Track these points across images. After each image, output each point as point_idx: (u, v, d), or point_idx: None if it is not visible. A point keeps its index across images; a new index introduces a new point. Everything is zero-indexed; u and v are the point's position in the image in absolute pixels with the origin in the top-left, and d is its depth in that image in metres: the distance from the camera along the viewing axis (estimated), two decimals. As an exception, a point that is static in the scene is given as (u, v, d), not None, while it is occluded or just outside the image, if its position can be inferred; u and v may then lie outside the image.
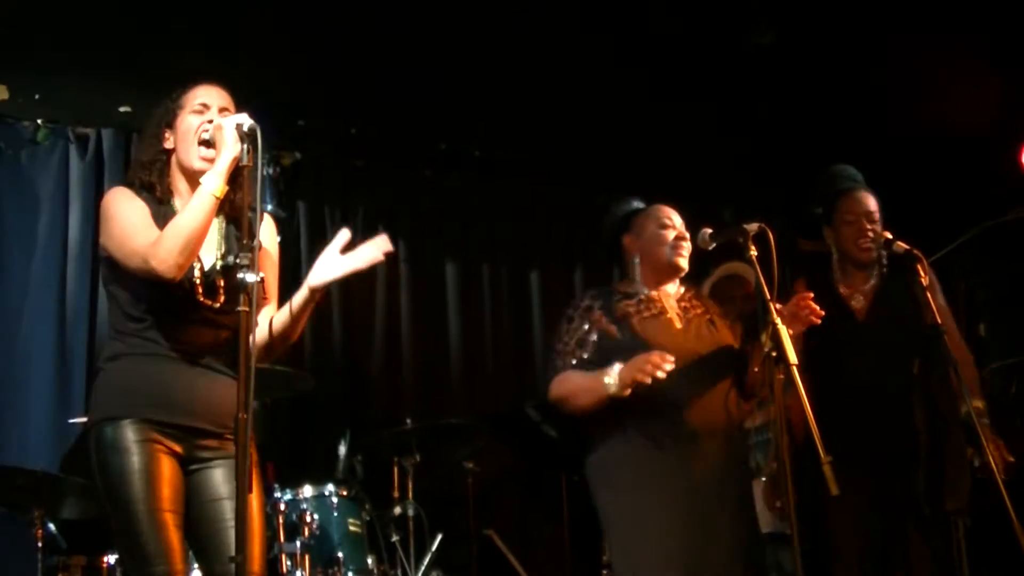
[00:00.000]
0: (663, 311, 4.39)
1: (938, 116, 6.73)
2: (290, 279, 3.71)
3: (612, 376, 4.08)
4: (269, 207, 6.21)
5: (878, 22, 5.92)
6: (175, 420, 3.39)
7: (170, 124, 3.59)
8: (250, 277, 3.13)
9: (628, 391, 4.04)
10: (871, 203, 4.72)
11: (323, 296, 3.56)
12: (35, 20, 5.49)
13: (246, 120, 3.37)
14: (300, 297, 3.49)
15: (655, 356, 3.97)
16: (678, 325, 4.36)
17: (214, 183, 3.36)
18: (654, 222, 4.50)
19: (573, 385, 4.26)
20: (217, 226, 3.56)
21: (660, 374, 3.96)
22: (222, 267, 3.45)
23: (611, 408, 4.17)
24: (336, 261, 3.46)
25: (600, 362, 4.24)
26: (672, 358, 3.98)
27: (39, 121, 6.42)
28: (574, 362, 4.31)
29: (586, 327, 4.35)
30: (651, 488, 4.14)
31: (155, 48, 5.69)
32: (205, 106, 3.58)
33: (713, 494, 4.18)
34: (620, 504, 4.21)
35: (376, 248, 3.46)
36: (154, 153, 3.59)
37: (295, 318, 3.52)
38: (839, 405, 4.48)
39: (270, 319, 3.56)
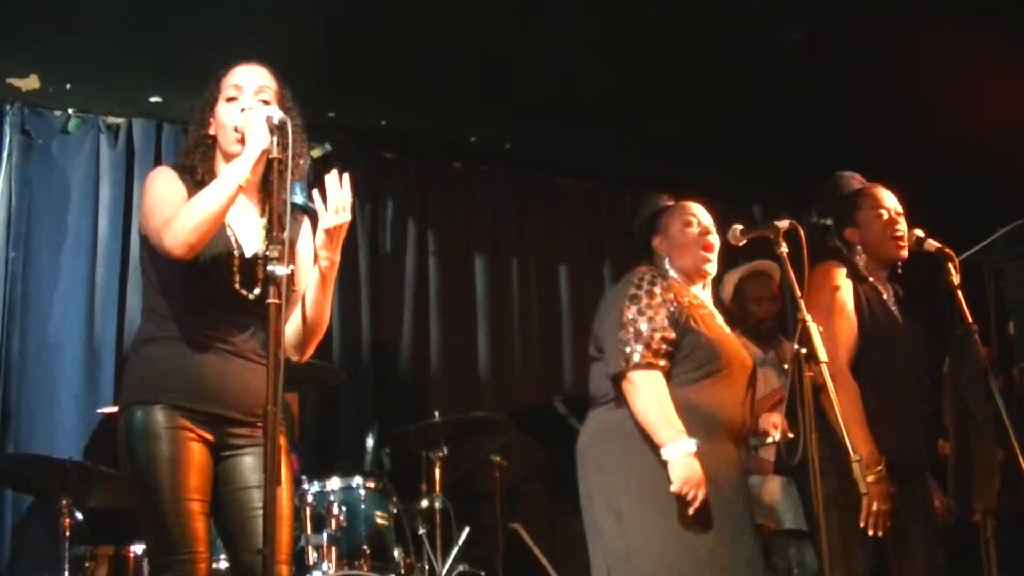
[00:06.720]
0: (709, 310, 4.41)
1: (968, 114, 6.69)
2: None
3: (677, 453, 4.07)
4: (300, 200, 6.20)
5: (909, 18, 5.88)
6: (205, 408, 3.40)
7: (213, 109, 3.60)
8: (280, 270, 3.13)
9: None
10: (895, 199, 4.65)
11: (333, 272, 3.56)
12: (66, 10, 5.50)
13: (276, 112, 3.37)
14: (315, 277, 3.53)
15: (698, 497, 4.04)
16: (727, 329, 4.40)
17: (238, 172, 3.36)
18: (678, 220, 4.49)
19: (645, 405, 4.17)
20: (257, 217, 3.56)
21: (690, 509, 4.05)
22: (262, 258, 3.45)
23: None
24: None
25: (677, 343, 4.22)
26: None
27: (70, 111, 6.43)
28: (665, 348, 4.22)
29: (666, 299, 4.27)
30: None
31: (186, 39, 5.69)
32: (238, 88, 3.58)
33: (737, 497, 4.23)
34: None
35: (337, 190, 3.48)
36: (198, 139, 3.60)
37: (317, 300, 3.54)
38: (884, 406, 4.43)
39: (301, 309, 3.56)
